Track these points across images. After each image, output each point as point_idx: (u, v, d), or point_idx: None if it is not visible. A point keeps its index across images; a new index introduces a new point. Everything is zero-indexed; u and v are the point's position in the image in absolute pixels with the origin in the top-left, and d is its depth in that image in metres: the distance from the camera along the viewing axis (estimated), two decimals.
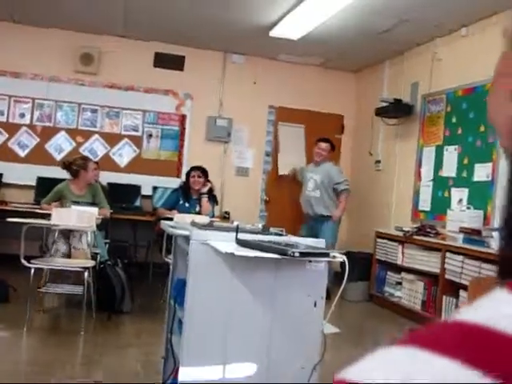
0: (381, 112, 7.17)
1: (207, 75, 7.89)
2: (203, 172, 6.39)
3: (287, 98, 8.11)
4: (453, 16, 5.72)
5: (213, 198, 6.47)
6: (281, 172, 7.97)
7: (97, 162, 6.95)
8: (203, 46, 7.69)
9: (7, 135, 7.37)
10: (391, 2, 5.49)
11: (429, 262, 5.74)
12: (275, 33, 6.68)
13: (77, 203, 5.36)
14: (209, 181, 6.44)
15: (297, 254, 2.06)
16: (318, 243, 2.49)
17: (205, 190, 6.32)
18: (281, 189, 7.97)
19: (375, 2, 5.52)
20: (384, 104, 7.08)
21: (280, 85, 8.07)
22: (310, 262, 2.27)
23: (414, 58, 6.97)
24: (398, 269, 6.29)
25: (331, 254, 2.18)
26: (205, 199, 6.27)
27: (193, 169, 6.47)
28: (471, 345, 0.24)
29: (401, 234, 6.24)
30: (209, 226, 2.64)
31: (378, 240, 6.71)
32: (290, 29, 6.49)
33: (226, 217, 7.55)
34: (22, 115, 7.43)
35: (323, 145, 6.87)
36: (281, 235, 2.66)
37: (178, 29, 7.04)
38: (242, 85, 8.00)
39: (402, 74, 7.18)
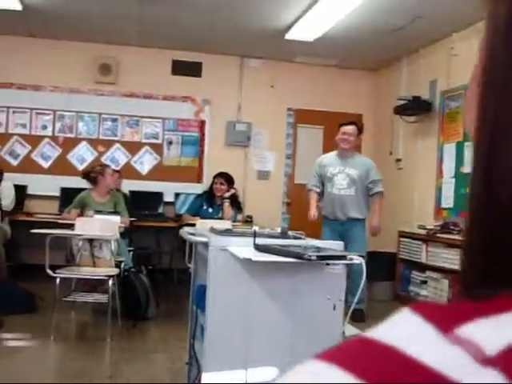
0: (399, 110, 7.12)
1: (225, 80, 7.93)
2: (227, 179, 6.48)
3: (305, 100, 8.10)
4: (468, 10, 5.66)
5: (236, 204, 6.53)
6: (297, 181, 7.96)
7: (119, 171, 7.02)
8: (220, 51, 7.73)
9: (30, 147, 7.49)
10: None
11: (453, 259, 5.69)
12: (291, 35, 6.69)
13: (99, 212, 5.44)
14: (233, 187, 6.51)
15: (314, 258, 2.06)
16: (336, 246, 2.49)
17: (227, 195, 6.39)
18: (302, 191, 7.95)
19: None
20: (402, 102, 7.03)
21: (297, 87, 8.06)
22: (328, 264, 2.27)
23: (431, 54, 6.92)
24: (423, 267, 6.24)
25: (348, 257, 2.18)
26: (226, 204, 6.34)
27: (216, 176, 6.57)
28: (364, 358, 0.27)
29: (424, 232, 6.20)
30: (227, 232, 2.66)
31: (402, 239, 6.68)
32: (306, 30, 6.50)
33: (248, 221, 7.56)
34: (44, 127, 7.54)
35: (349, 128, 5.55)
36: (299, 238, 2.67)
37: (194, 36, 7.09)
38: (260, 88, 8.02)
39: (420, 71, 7.13)
